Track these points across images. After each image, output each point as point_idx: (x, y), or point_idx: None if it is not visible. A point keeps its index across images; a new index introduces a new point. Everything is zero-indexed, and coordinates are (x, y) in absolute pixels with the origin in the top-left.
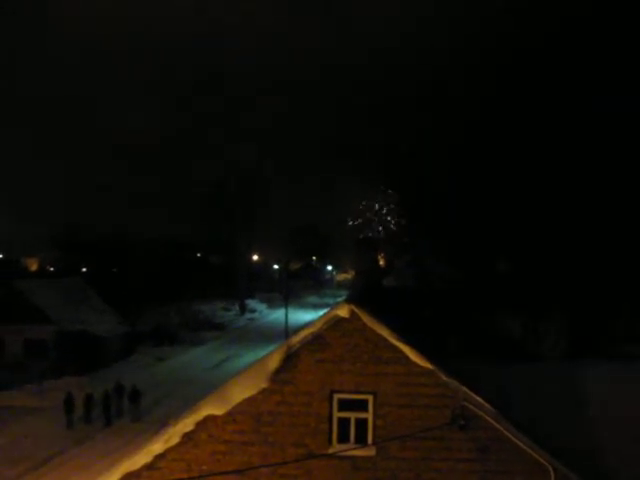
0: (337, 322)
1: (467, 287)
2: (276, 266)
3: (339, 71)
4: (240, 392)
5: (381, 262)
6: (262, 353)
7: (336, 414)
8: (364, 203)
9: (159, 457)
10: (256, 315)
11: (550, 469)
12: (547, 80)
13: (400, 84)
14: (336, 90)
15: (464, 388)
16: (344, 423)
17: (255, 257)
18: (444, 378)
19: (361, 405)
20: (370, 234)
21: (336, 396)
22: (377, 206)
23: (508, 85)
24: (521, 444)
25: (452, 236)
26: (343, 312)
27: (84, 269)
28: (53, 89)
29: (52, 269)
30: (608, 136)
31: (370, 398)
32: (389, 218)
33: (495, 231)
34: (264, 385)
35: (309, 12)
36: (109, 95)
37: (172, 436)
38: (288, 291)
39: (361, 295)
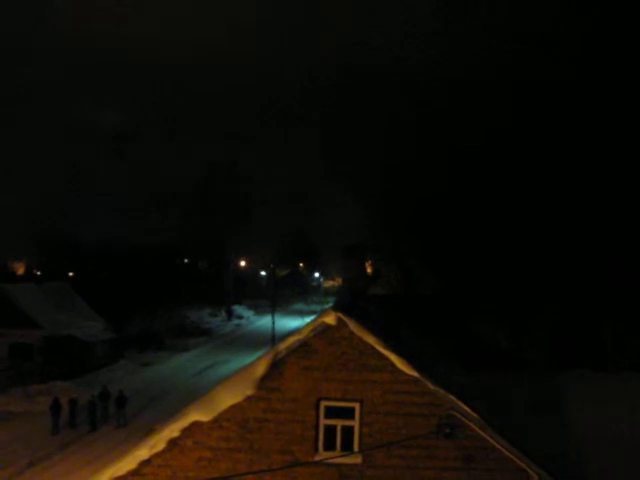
0: (324, 329)
1: (452, 296)
2: (263, 272)
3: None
4: (226, 399)
5: (368, 270)
6: (249, 360)
7: (323, 421)
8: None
9: (144, 463)
10: (243, 321)
11: (535, 476)
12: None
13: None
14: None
15: (451, 396)
16: (330, 431)
17: (243, 263)
18: (431, 386)
19: (348, 413)
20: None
21: (323, 403)
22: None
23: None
24: (507, 452)
25: (438, 247)
26: (330, 319)
27: (71, 274)
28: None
29: (39, 273)
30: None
31: (357, 406)
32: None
33: (481, 244)
34: (250, 392)
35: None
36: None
37: (158, 442)
38: (275, 298)
39: (348, 302)
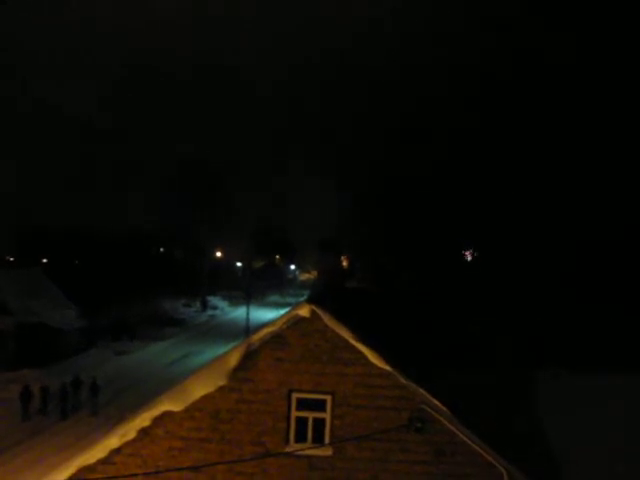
0: (298, 321)
1: (426, 290)
2: (239, 264)
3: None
4: (199, 389)
5: (344, 263)
6: (222, 350)
7: (294, 413)
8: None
9: (115, 452)
10: (217, 312)
11: (503, 471)
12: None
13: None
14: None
15: (422, 391)
16: (302, 422)
17: (218, 254)
18: (402, 381)
19: (319, 405)
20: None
21: (294, 395)
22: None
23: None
24: (476, 447)
25: (411, 242)
26: (304, 312)
27: (44, 260)
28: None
29: (12, 259)
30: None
31: (328, 398)
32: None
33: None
34: (223, 382)
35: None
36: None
37: (128, 431)
38: (250, 289)
39: (322, 295)
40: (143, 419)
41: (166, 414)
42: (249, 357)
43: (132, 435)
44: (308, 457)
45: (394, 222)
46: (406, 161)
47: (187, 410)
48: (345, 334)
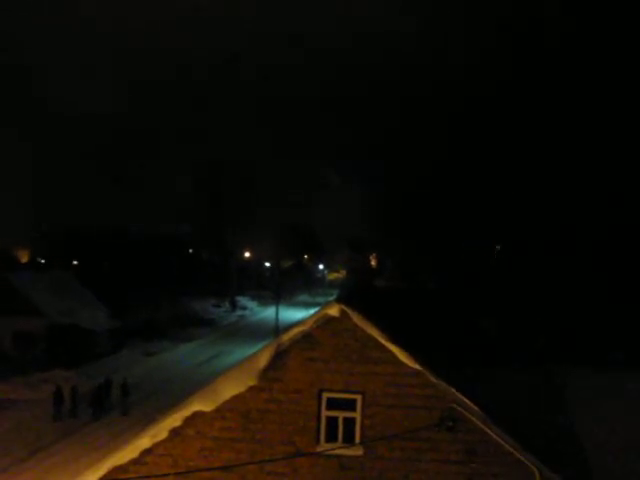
0: (327, 321)
1: (450, 289)
2: (268, 264)
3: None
4: (229, 389)
5: (372, 262)
6: (252, 350)
7: (324, 413)
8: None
9: (146, 452)
10: (246, 312)
11: (535, 471)
12: None
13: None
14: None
15: (452, 390)
16: (332, 422)
17: (247, 254)
18: (432, 379)
19: (349, 404)
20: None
21: (325, 395)
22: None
23: None
24: (507, 446)
25: (437, 243)
26: (333, 311)
27: (75, 262)
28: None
29: (43, 261)
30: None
31: (359, 398)
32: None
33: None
34: (253, 382)
35: None
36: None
37: (160, 431)
38: (279, 289)
39: (352, 295)
40: (174, 419)
41: (197, 414)
42: (279, 357)
43: (163, 435)
44: (338, 457)
45: (422, 220)
46: (435, 159)
47: (218, 410)
48: (375, 333)
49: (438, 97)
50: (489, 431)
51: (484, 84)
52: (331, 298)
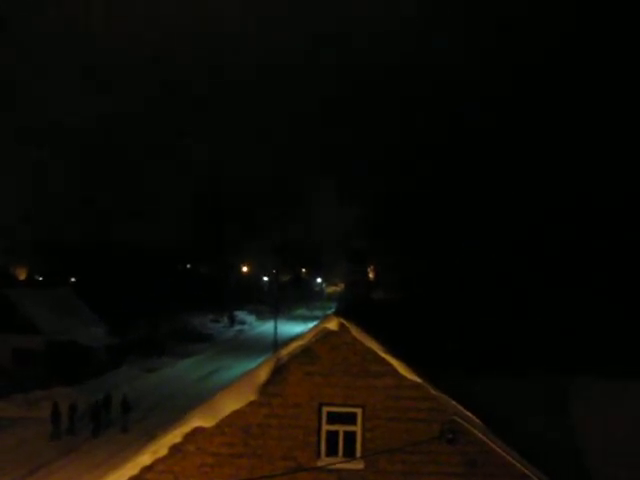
0: (326, 335)
1: (447, 301)
2: (266, 278)
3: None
4: (229, 404)
5: (370, 275)
6: (251, 365)
7: (325, 427)
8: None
9: (146, 469)
10: (245, 327)
11: None
12: None
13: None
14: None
15: (453, 402)
16: (333, 436)
17: (245, 268)
18: (433, 392)
19: (350, 418)
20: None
21: (325, 409)
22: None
23: None
24: (509, 458)
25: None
26: (332, 325)
27: (73, 279)
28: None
29: (41, 278)
30: None
31: (359, 411)
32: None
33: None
34: (253, 397)
35: None
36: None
37: (160, 448)
38: (278, 303)
39: (350, 308)
40: (174, 435)
41: (197, 430)
42: (278, 371)
43: (163, 452)
44: (339, 471)
45: (417, 232)
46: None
47: (218, 426)
48: (374, 346)
49: (438, 97)
50: (490, 443)
51: (484, 84)
52: (330, 311)
